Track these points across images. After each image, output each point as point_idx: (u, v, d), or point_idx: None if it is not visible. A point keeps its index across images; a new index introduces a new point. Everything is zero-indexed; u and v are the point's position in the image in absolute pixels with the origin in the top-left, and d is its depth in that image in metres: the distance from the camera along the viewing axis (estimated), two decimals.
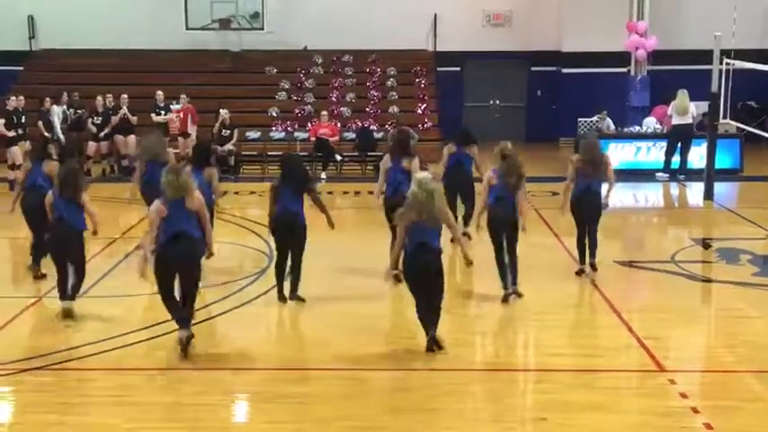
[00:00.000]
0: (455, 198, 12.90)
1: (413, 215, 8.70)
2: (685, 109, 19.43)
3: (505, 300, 10.47)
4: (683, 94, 19.49)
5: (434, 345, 8.80)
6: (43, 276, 11.41)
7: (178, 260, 8.72)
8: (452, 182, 12.85)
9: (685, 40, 23.05)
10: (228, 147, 19.78)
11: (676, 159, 19.58)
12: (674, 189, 18.96)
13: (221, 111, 20.29)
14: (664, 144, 20.08)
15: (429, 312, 8.86)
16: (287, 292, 10.56)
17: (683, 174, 19.45)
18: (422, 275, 8.78)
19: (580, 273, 11.59)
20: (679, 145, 19.53)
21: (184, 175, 8.96)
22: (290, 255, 10.54)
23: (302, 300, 10.50)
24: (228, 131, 20.22)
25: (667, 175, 19.49)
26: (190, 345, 8.80)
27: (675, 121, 19.49)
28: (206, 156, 12.03)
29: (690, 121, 19.59)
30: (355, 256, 12.62)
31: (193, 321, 9.37)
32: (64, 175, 10.25)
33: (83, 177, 10.72)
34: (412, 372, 8.49)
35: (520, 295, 10.56)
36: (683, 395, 7.86)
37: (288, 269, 10.62)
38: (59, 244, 10.10)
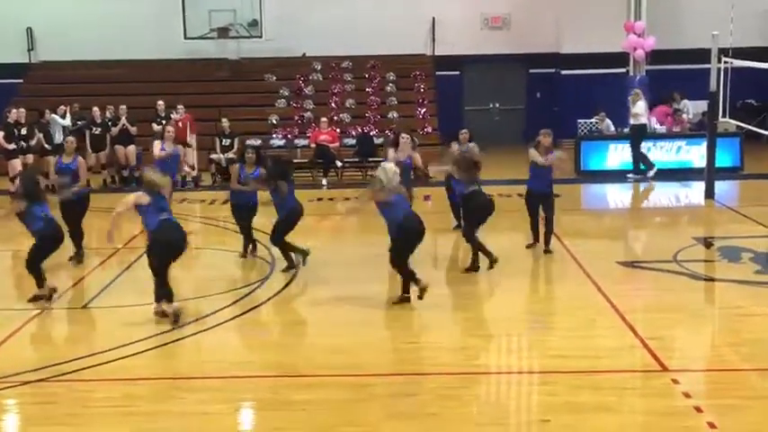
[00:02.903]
0: None
1: (386, 194, 10.30)
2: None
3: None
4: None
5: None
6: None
7: None
8: None
9: (683, 39, 23.10)
10: (230, 155, 19.78)
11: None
12: (675, 189, 18.96)
13: (223, 120, 20.38)
14: (664, 144, 20.17)
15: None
16: None
17: (651, 168, 19.63)
18: (419, 237, 10.45)
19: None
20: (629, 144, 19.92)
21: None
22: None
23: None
24: (229, 141, 20.25)
25: (639, 175, 19.55)
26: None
27: (644, 120, 19.69)
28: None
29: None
30: (356, 261, 12.64)
31: (198, 330, 9.77)
32: None
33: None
34: (414, 377, 8.50)
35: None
36: (687, 395, 7.84)
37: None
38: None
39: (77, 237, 12.86)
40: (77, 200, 12.68)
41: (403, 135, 15.10)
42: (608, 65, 23.12)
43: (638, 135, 19.69)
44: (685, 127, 21.06)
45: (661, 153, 20.11)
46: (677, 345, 9.40)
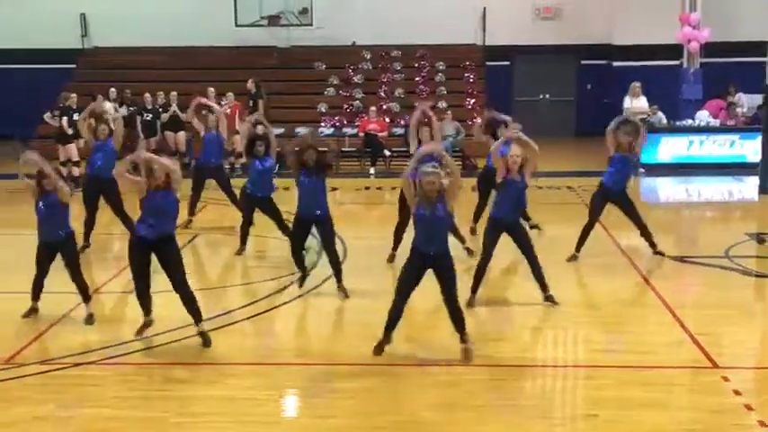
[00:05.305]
0: None
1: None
2: None
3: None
4: None
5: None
6: None
7: None
8: None
9: (739, 31, 22.71)
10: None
11: None
12: (729, 183, 18.66)
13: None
14: (717, 138, 19.83)
15: None
16: None
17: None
18: None
19: None
20: None
21: None
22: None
23: None
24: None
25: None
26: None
27: (644, 116, 19.33)
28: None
29: None
30: (402, 251, 12.57)
31: (243, 317, 9.81)
32: None
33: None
34: (460, 367, 8.45)
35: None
36: (737, 392, 7.72)
37: None
38: None
39: (87, 224, 12.78)
40: (91, 183, 12.78)
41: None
42: (661, 57, 22.80)
43: None
44: (740, 121, 20.72)
45: (714, 147, 19.79)
46: (727, 341, 9.24)
